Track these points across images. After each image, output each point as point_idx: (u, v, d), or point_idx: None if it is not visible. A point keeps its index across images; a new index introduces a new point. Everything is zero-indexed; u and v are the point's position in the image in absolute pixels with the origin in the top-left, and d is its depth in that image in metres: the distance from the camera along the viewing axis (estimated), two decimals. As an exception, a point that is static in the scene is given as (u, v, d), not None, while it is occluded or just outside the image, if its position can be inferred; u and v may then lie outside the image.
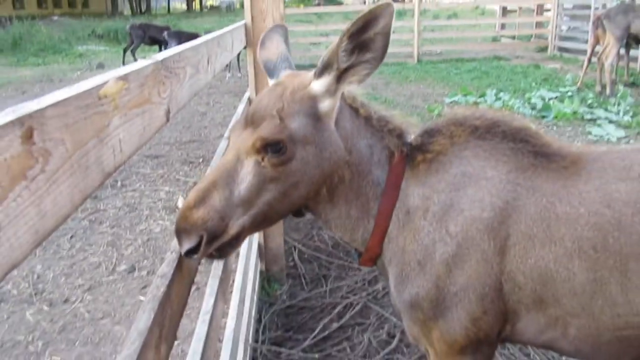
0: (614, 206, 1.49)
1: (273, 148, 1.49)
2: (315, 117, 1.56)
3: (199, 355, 1.58)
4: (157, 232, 5.23)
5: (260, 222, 1.57)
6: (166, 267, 1.31)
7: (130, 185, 6.55)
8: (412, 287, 1.64)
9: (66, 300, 4.01)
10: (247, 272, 3.18)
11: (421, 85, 12.80)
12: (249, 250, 3.33)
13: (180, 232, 1.46)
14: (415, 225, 1.64)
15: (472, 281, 1.55)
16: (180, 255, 1.44)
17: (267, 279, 4.04)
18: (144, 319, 1.08)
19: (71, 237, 5.12)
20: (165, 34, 15.97)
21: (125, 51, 17.65)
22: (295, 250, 4.51)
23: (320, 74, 1.55)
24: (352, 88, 1.62)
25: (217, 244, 1.51)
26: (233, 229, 1.51)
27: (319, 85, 1.56)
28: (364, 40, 1.45)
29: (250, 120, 1.56)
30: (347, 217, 1.71)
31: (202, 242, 1.46)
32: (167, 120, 1.27)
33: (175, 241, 1.47)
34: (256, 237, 3.96)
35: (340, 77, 1.53)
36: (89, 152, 0.80)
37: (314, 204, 1.68)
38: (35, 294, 4.08)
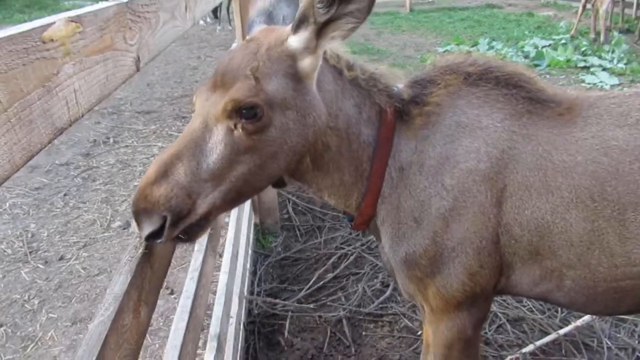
0: (612, 154, 1.43)
1: (248, 113, 1.31)
2: (295, 78, 1.39)
3: (187, 312, 1.55)
4: (150, 188, 5.18)
5: (234, 199, 1.39)
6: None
7: (123, 142, 6.46)
8: (408, 245, 1.58)
9: (61, 258, 4.00)
10: (240, 226, 3.15)
11: (414, 34, 12.56)
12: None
13: (140, 213, 1.26)
14: (410, 182, 1.56)
15: (470, 235, 1.50)
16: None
17: (261, 232, 4.03)
18: (119, 282, 1.03)
19: (64, 195, 5.07)
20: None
21: (112, 3, 17.09)
22: (289, 202, 4.48)
23: (296, 28, 1.37)
24: (334, 45, 1.44)
25: (183, 225, 1.30)
26: (201, 207, 1.31)
27: (296, 42, 1.38)
28: None
29: (220, 82, 1.37)
30: (341, 185, 1.60)
31: (166, 224, 1.26)
32: (137, 69, 1.18)
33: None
34: (249, 191, 3.92)
35: (320, 32, 1.36)
36: (32, 104, 0.71)
37: (300, 174, 1.55)
38: (30, 253, 4.07)
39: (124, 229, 4.42)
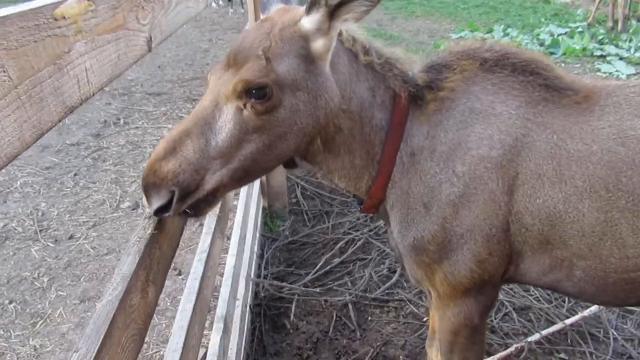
0: (629, 144, 1.40)
1: (257, 93, 1.31)
2: (307, 59, 1.39)
3: (194, 294, 1.56)
4: (160, 169, 5.20)
5: (241, 177, 1.39)
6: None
7: (133, 123, 6.48)
8: (417, 230, 1.58)
9: (71, 237, 4.04)
10: (249, 209, 3.16)
11: (428, 20, 12.41)
12: (250, 187, 3.29)
13: (149, 188, 1.28)
14: (421, 167, 1.55)
15: (479, 222, 1.49)
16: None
17: (269, 215, 4.04)
18: (128, 263, 1.04)
19: (75, 174, 5.11)
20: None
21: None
22: (298, 187, 4.48)
23: (309, 9, 1.37)
24: (348, 26, 1.44)
25: (190, 200, 1.32)
26: (209, 183, 1.33)
27: (309, 23, 1.38)
28: None
29: (233, 61, 1.37)
30: (352, 167, 1.59)
31: (174, 198, 1.28)
32: (149, 49, 1.17)
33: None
34: (258, 175, 3.92)
35: (333, 14, 1.36)
36: (43, 82, 0.71)
37: (310, 156, 1.55)
38: (40, 231, 4.11)
39: (133, 209, 4.45)
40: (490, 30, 10.32)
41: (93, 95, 0.88)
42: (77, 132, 6.18)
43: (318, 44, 1.39)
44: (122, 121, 6.53)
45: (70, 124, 6.35)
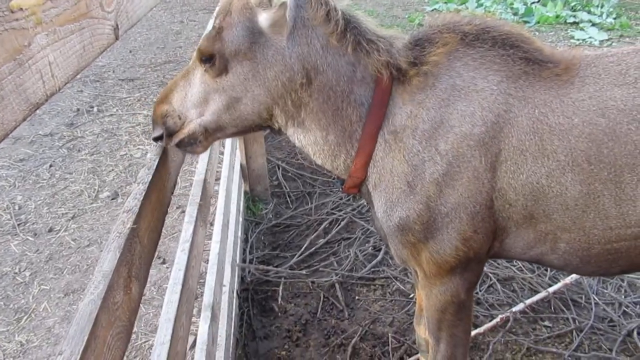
0: (609, 115, 1.40)
1: (207, 60, 1.51)
2: (254, 32, 1.48)
3: (179, 284, 1.54)
4: (137, 157, 5.11)
5: (215, 130, 1.61)
6: (132, 201, 1.23)
7: (107, 111, 6.33)
8: (401, 210, 1.57)
9: (50, 230, 3.97)
10: (230, 194, 3.13)
11: (401, -7, 12.29)
12: (230, 171, 3.25)
13: (153, 121, 1.65)
14: (404, 145, 1.53)
15: (464, 200, 1.49)
16: (150, 183, 1.36)
17: (251, 199, 4.01)
18: (108, 260, 1.01)
19: (50, 166, 5.00)
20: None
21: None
22: (279, 169, 4.45)
23: None
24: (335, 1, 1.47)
25: (177, 139, 1.62)
26: (187, 128, 1.60)
27: None
28: None
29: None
30: (325, 143, 1.59)
31: (163, 135, 1.61)
32: (117, 37, 1.12)
33: (141, 173, 1.38)
34: (238, 158, 3.88)
35: None
36: (2, 80, 0.66)
37: (283, 127, 1.61)
38: (19, 225, 4.03)
39: (113, 199, 4.37)
40: (464, 2, 10.26)
41: (60, 89, 0.83)
42: (49, 122, 6.03)
43: (262, 17, 1.48)
44: (95, 109, 6.38)
45: (42, 114, 6.19)
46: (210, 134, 1.63)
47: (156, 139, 1.63)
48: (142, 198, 1.23)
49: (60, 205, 4.33)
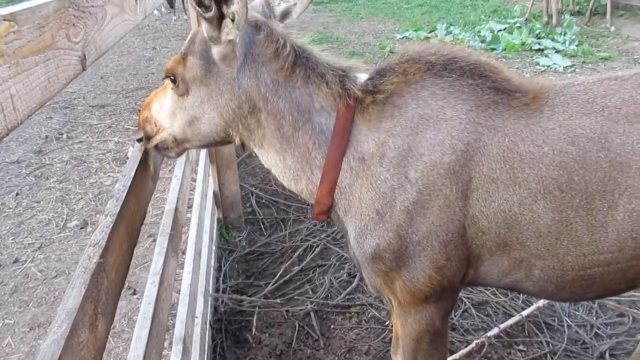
0: (579, 143, 1.42)
1: (172, 80, 1.65)
2: (209, 61, 1.59)
3: (149, 319, 1.49)
4: (108, 184, 5.02)
5: (184, 140, 1.75)
6: (99, 234, 1.19)
7: (77, 138, 6.23)
8: (372, 238, 1.56)
9: (16, 261, 3.84)
10: (203, 222, 3.08)
11: (372, 21, 12.54)
12: (203, 199, 3.21)
13: (138, 124, 1.83)
14: (371, 173, 1.54)
15: (435, 228, 1.49)
16: (119, 215, 1.32)
17: (225, 227, 3.96)
18: (72, 296, 0.97)
19: (16, 194, 4.86)
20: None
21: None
22: (252, 195, 4.42)
23: (199, 19, 1.55)
24: (281, 31, 1.59)
25: (153, 143, 1.80)
26: (160, 135, 1.77)
27: (204, 30, 1.55)
28: None
29: None
30: (285, 167, 1.66)
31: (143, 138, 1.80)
32: (84, 68, 1.10)
33: (109, 204, 1.35)
34: (211, 186, 3.84)
35: (220, 26, 1.52)
36: None
37: (247, 144, 1.72)
38: (-18, 257, 3.88)
39: (82, 228, 4.27)
40: (433, 29, 10.51)
41: (21, 123, 0.81)
42: (16, 149, 5.89)
43: (214, 50, 1.58)
44: (65, 136, 6.27)
45: (9, 141, 6.05)
46: (179, 143, 1.78)
47: (138, 140, 1.84)
48: (109, 231, 1.20)
49: (26, 235, 4.20)
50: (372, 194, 1.54)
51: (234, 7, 1.44)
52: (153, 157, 1.87)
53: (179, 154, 1.86)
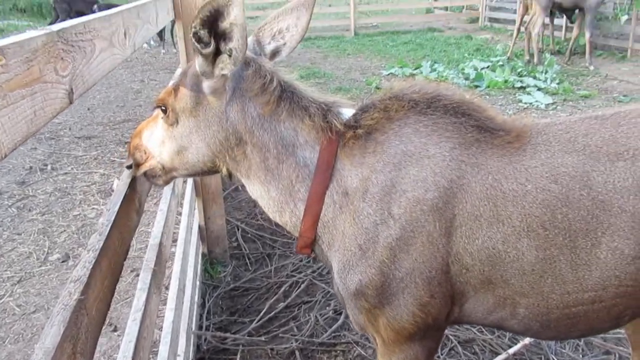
0: (561, 181, 1.44)
1: (163, 110, 1.69)
2: (200, 94, 1.62)
3: (129, 358, 1.45)
4: (91, 217, 4.95)
5: (171, 169, 1.78)
6: (81, 270, 1.16)
7: (62, 169, 6.17)
8: (354, 274, 1.55)
9: (-7, 296, 3.73)
10: (187, 257, 3.04)
11: (359, 58, 12.77)
12: (188, 233, 3.17)
13: (128, 151, 1.87)
14: (354, 207, 1.54)
15: (418, 265, 1.48)
16: (101, 250, 1.30)
17: (209, 262, 3.91)
18: (51, 335, 0.94)
19: (-3, 226, 4.77)
20: (95, 7, 14.99)
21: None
22: (238, 230, 4.39)
23: (194, 53, 1.57)
24: (268, 66, 1.65)
25: (142, 170, 1.82)
26: (149, 162, 1.80)
27: (197, 65, 1.59)
28: (224, 30, 1.46)
29: None
30: (270, 198, 1.68)
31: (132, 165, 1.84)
32: (71, 102, 1.09)
33: (92, 239, 1.32)
34: (196, 219, 3.81)
35: (214, 61, 1.55)
36: None
37: (234, 174, 1.74)
38: (-42, 291, 3.77)
39: (63, 261, 4.18)
40: (418, 66, 10.71)
41: (5, 156, 0.79)
42: (-1, 181, 5.82)
43: (205, 84, 1.61)
44: (49, 167, 6.21)
45: (-8, 172, 5.98)
46: (167, 171, 1.81)
47: (128, 167, 1.86)
48: (91, 267, 1.17)
49: (5, 268, 4.10)
50: (354, 229, 1.54)
51: (233, 44, 1.48)
52: (139, 190, 1.85)
53: (166, 182, 1.87)
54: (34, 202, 5.30)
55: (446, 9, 19.59)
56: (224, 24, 1.45)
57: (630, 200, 1.39)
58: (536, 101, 8.14)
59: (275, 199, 1.67)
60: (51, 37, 1.02)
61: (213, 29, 1.47)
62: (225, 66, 1.54)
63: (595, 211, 1.41)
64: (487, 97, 8.66)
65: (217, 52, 1.52)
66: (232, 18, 1.42)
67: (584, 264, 1.42)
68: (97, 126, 7.83)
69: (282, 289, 3.55)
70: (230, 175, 1.75)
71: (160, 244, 2.07)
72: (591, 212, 1.41)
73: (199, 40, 1.48)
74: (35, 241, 4.51)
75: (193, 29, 1.45)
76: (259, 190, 1.69)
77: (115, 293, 1.44)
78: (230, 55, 1.50)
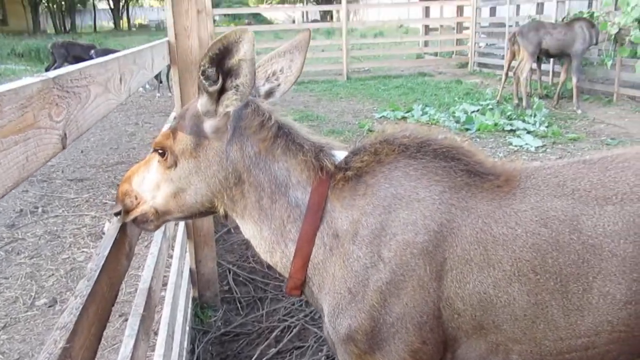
0: (551, 225, 1.44)
1: (161, 153, 1.69)
2: (200, 135, 1.63)
3: (114, 408, 1.40)
4: (81, 260, 4.89)
5: (165, 213, 1.77)
6: (67, 316, 1.14)
7: (52, 212, 6.12)
8: (344, 318, 1.53)
9: (-23, 343, 3.63)
10: (177, 302, 2.99)
11: (351, 101, 12.95)
12: (178, 277, 3.13)
13: (116, 197, 1.84)
14: (344, 250, 1.54)
15: (409, 310, 1.46)
16: (89, 296, 1.28)
17: (200, 306, 3.84)
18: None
19: (-17, 270, 4.69)
20: (92, 52, 15.24)
21: (47, 71, 16.67)
22: (230, 273, 4.34)
23: (198, 94, 1.58)
24: (265, 107, 1.66)
25: (132, 216, 1.79)
26: (141, 208, 1.78)
27: (199, 105, 1.60)
28: (231, 67, 1.48)
29: None
30: (262, 238, 1.68)
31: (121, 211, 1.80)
32: (64, 147, 1.10)
33: (80, 284, 1.31)
34: (187, 263, 3.76)
35: (218, 100, 1.56)
36: None
37: (230, 214, 1.73)
38: (-60, 338, 3.67)
39: (50, 306, 4.09)
40: (410, 110, 10.86)
41: (-5, 203, 0.79)
42: (-12, 224, 5.76)
43: (207, 124, 1.62)
44: (40, 209, 6.16)
45: (-19, 214, 5.92)
46: (160, 216, 1.78)
47: (116, 214, 1.83)
48: (78, 313, 1.15)
49: (-9, 313, 4.01)
50: (344, 272, 1.53)
51: (240, 80, 1.50)
52: (129, 234, 1.83)
53: (157, 227, 1.85)
54: (22, 245, 5.23)
55: (436, 54, 20.04)
56: (232, 61, 1.46)
57: (621, 245, 1.39)
58: (526, 144, 8.24)
59: (267, 239, 1.67)
60: (47, 84, 1.03)
61: (220, 66, 1.48)
62: (231, 103, 1.56)
63: (586, 255, 1.41)
64: (478, 139, 8.78)
65: (221, 90, 1.55)
66: (242, 54, 1.44)
67: (576, 309, 1.41)
68: (90, 168, 7.83)
69: (274, 333, 3.48)
70: (226, 216, 1.75)
71: (150, 288, 2.04)
72: (582, 256, 1.41)
73: (207, 78, 1.50)
74: (23, 285, 4.42)
75: (202, 67, 1.47)
76: (251, 230, 1.70)
77: (103, 339, 1.41)
78: (237, 91, 1.52)
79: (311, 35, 1.86)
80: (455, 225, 1.48)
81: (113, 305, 1.51)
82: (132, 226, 1.86)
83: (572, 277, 1.41)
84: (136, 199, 1.79)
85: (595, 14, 10.74)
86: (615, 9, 10.51)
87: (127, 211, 1.80)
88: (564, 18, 11.64)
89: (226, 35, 1.40)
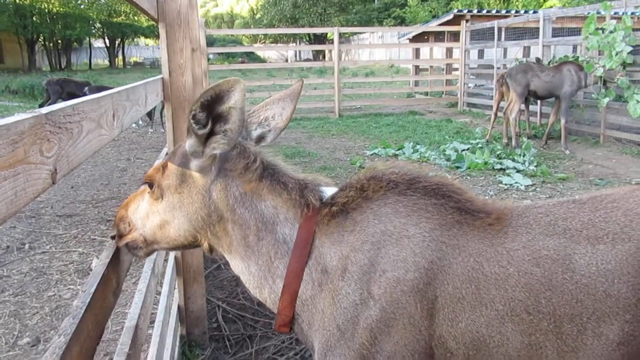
0: (543, 264, 1.43)
1: (150, 185, 1.76)
2: (186, 172, 1.68)
3: None
4: (67, 298, 4.79)
5: (153, 242, 1.82)
6: (50, 356, 1.11)
7: (39, 248, 6.04)
8: (333, 356, 1.50)
9: (-45, 384, 3.52)
10: (165, 340, 2.92)
11: (343, 138, 13.08)
12: (167, 315, 3.07)
13: (114, 222, 1.92)
14: (333, 286, 1.52)
15: (400, 348, 1.44)
16: (74, 334, 1.25)
17: (187, 344, 3.75)
18: None
19: (-34, 308, 4.58)
20: (86, 89, 15.36)
21: (41, 107, 16.70)
22: (219, 309, 4.26)
23: (187, 135, 1.61)
24: (251, 147, 1.71)
25: (124, 241, 1.86)
26: (132, 234, 1.85)
27: (187, 145, 1.64)
28: (221, 113, 1.52)
29: None
30: (250, 274, 1.68)
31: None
32: (53, 182, 1.09)
33: (64, 322, 1.28)
34: (176, 300, 3.70)
35: (206, 142, 1.59)
36: None
37: (216, 249, 1.77)
38: None
39: (33, 345, 3.99)
40: (401, 147, 10.96)
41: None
42: (-27, 260, 5.65)
43: (194, 164, 1.66)
44: (27, 246, 6.07)
45: (-34, 251, 5.82)
46: (148, 244, 1.83)
47: (112, 237, 1.92)
48: (61, 353, 1.12)
49: (-29, 354, 3.90)
50: (333, 309, 1.51)
51: (229, 126, 1.54)
52: (117, 270, 1.82)
53: (147, 254, 1.91)
54: (7, 282, 5.13)
55: (426, 93, 20.40)
56: (223, 107, 1.51)
57: (615, 285, 1.39)
58: (516, 182, 8.32)
59: (255, 275, 1.68)
60: (39, 120, 1.03)
61: (210, 111, 1.52)
62: (218, 146, 1.58)
63: (579, 295, 1.40)
64: (469, 177, 8.85)
65: (210, 133, 1.58)
66: (233, 102, 1.49)
67: (570, 350, 1.40)
68: (80, 204, 7.76)
69: (263, 374, 3.40)
70: (211, 250, 1.78)
71: (137, 326, 2.00)
72: (575, 297, 1.40)
73: (197, 122, 1.54)
74: (5, 324, 4.32)
75: (192, 112, 1.51)
76: (239, 266, 1.71)
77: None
78: (225, 136, 1.56)
79: (304, 75, 1.92)
80: (446, 263, 1.47)
81: (98, 344, 1.47)
82: (121, 262, 1.86)
83: (566, 317, 1.39)
84: (129, 225, 1.86)
85: (580, 58, 11.00)
86: (599, 54, 10.77)
87: (120, 236, 1.88)
88: (550, 62, 11.92)
89: (219, 84, 1.45)
